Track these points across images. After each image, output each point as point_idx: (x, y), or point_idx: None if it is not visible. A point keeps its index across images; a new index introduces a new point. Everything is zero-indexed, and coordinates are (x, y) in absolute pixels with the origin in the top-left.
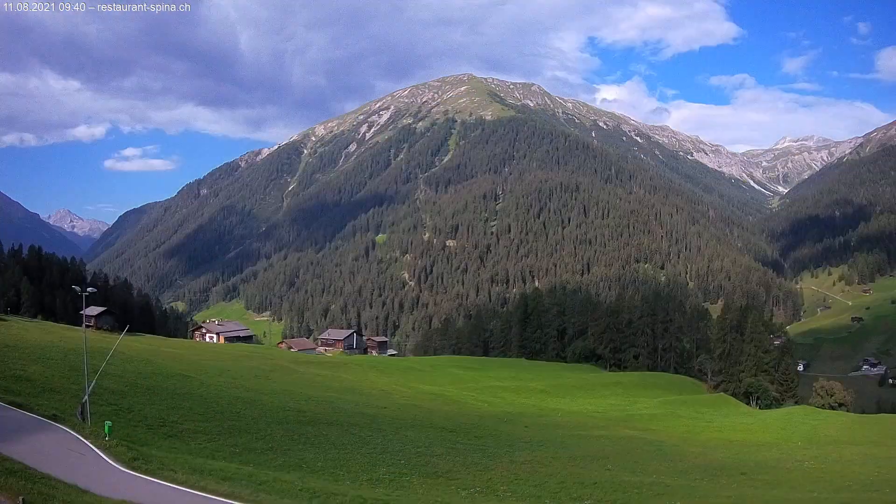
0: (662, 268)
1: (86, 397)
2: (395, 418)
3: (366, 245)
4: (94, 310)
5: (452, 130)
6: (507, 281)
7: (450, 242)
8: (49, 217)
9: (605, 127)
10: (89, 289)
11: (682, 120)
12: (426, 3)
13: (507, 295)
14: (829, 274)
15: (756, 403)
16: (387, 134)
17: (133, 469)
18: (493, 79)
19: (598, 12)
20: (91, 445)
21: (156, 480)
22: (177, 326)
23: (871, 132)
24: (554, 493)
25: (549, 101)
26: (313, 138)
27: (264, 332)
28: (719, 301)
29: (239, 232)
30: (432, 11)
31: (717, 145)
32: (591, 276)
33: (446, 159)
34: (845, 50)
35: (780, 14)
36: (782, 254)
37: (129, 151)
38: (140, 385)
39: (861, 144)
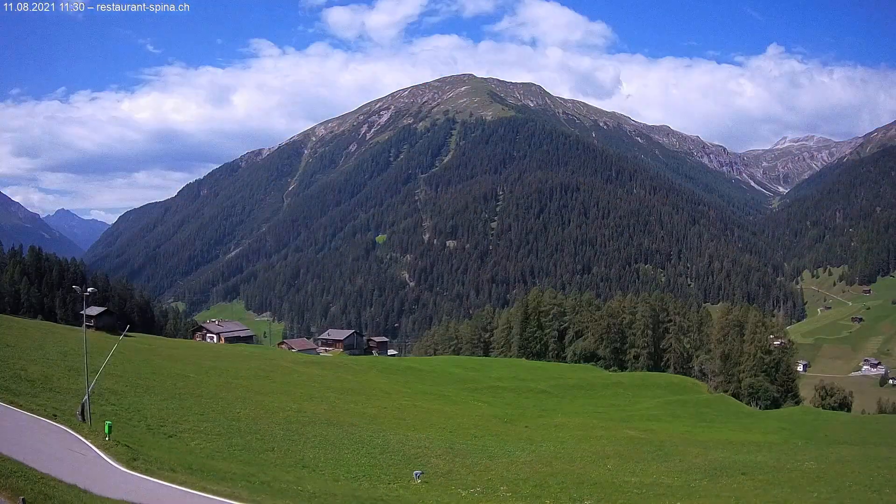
0: (662, 268)
1: (86, 397)
2: (395, 418)
3: (366, 245)
4: (94, 310)
5: (452, 130)
6: (507, 281)
7: (450, 242)
8: (49, 217)
9: (605, 127)
10: (89, 289)
11: None
12: None
13: (508, 295)
14: (830, 274)
15: (756, 404)
16: (387, 134)
17: (133, 469)
18: (493, 79)
19: None
20: (91, 445)
21: (156, 480)
22: (177, 326)
23: (872, 132)
24: (554, 493)
25: (549, 101)
26: (314, 138)
27: (265, 333)
28: (719, 301)
29: (239, 232)
30: None
31: (717, 145)
32: (592, 277)
33: (446, 159)
34: None
35: None
36: (783, 254)
37: None
38: (140, 385)
39: (861, 144)
